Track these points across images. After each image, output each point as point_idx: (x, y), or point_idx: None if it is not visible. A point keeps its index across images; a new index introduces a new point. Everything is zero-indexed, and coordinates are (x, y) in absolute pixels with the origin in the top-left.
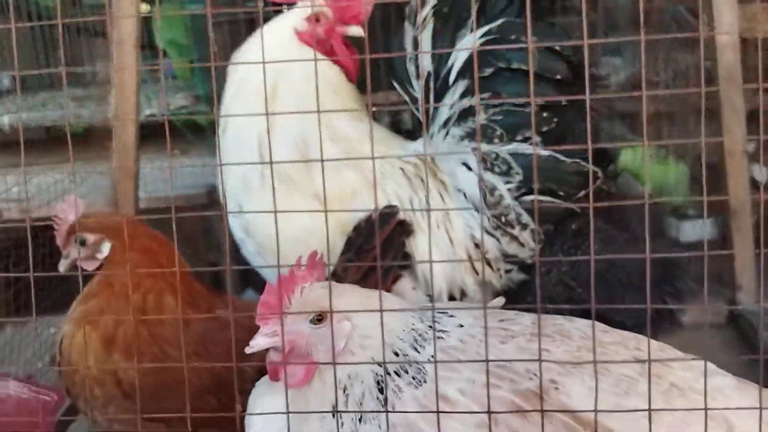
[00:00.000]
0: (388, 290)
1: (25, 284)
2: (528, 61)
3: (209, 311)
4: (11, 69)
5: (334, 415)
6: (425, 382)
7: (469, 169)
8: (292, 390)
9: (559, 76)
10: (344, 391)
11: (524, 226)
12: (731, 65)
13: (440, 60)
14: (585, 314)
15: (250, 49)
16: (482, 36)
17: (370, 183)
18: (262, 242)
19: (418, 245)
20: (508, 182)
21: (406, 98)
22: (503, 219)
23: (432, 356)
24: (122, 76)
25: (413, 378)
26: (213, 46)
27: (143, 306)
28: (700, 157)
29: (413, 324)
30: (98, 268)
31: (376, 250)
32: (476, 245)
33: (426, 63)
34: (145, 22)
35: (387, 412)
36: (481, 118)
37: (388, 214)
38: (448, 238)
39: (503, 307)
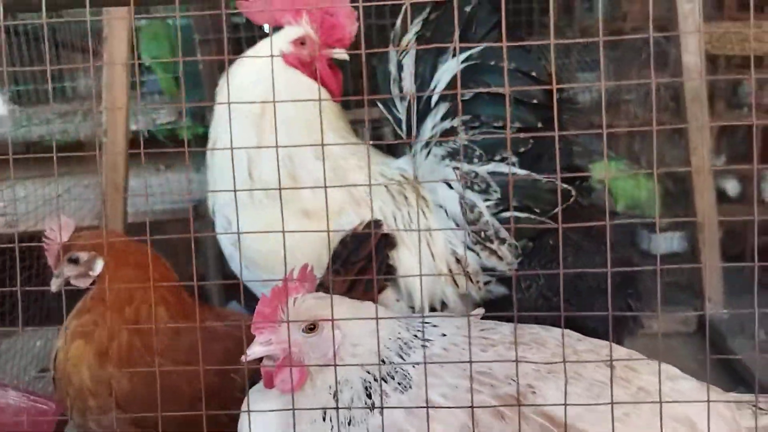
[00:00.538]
0: (374, 302)
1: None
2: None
3: (200, 323)
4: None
5: (324, 419)
6: (410, 387)
7: (450, 187)
8: (284, 395)
9: (535, 101)
10: (334, 396)
11: (502, 241)
12: (697, 87)
13: (422, 82)
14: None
15: (237, 71)
16: (464, 61)
17: (356, 200)
18: (250, 256)
19: (402, 258)
20: (486, 200)
21: (390, 119)
22: (482, 234)
23: (417, 363)
24: (112, 94)
25: (399, 384)
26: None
27: (136, 318)
28: (670, 173)
29: (399, 333)
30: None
31: (361, 264)
32: (457, 259)
33: (408, 85)
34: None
35: (382, 408)
36: (462, 138)
37: (373, 227)
38: (429, 252)
39: (483, 318)
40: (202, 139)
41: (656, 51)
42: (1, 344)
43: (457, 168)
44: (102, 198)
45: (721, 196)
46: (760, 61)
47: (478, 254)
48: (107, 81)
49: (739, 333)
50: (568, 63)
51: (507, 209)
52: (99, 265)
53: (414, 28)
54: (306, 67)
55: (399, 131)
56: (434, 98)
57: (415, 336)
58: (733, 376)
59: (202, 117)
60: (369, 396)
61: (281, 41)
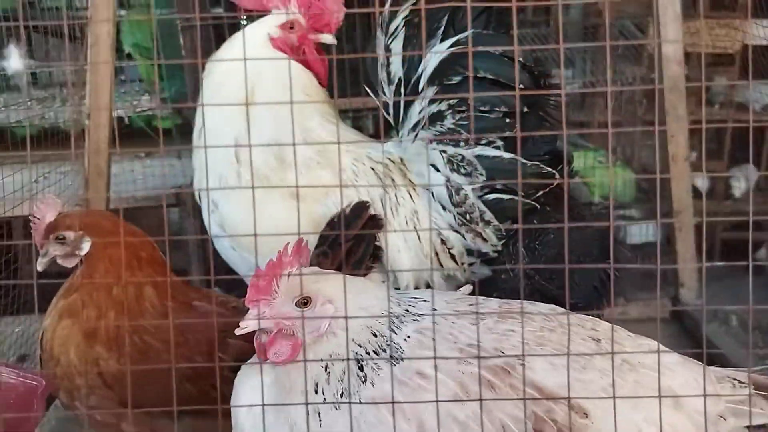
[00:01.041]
0: None
1: None
2: (494, 71)
3: (186, 303)
4: None
5: (317, 391)
6: (402, 359)
7: (437, 170)
8: (277, 368)
9: (521, 85)
10: (326, 369)
11: (487, 223)
12: (675, 76)
13: (410, 67)
14: (543, 298)
15: (225, 54)
16: (451, 46)
17: (343, 182)
18: (235, 237)
19: (389, 240)
20: (472, 182)
21: (378, 103)
22: (468, 216)
23: (408, 336)
24: (96, 77)
25: (391, 356)
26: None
27: (123, 299)
28: (646, 164)
29: (390, 308)
30: (76, 265)
31: (349, 244)
32: (442, 241)
33: (397, 69)
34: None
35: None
36: (449, 122)
37: (361, 208)
38: (416, 234)
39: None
40: (180, 129)
41: (635, 45)
42: None
43: (444, 151)
44: (85, 181)
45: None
46: (732, 59)
47: (463, 236)
48: (92, 66)
49: (712, 318)
50: (546, 54)
51: (492, 192)
52: (86, 245)
53: (402, 13)
54: (294, 51)
55: (387, 116)
56: (422, 82)
57: (407, 310)
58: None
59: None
60: (361, 369)
61: (269, 25)
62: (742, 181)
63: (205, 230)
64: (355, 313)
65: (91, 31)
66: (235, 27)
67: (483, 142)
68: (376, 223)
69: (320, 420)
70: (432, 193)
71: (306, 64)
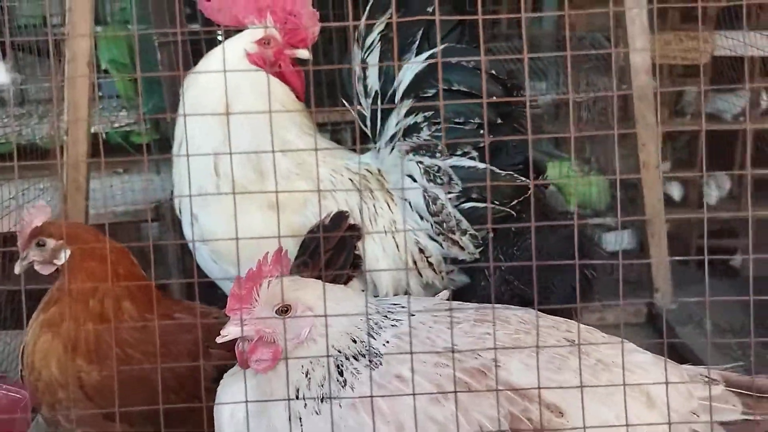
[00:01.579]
0: None
1: None
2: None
3: (167, 315)
4: None
5: (297, 397)
6: (381, 364)
7: (414, 180)
8: (258, 375)
9: (494, 97)
10: (306, 375)
11: (464, 232)
12: (644, 85)
13: (386, 81)
14: (522, 303)
15: (203, 68)
16: (426, 59)
17: (322, 193)
18: (216, 248)
19: (367, 249)
20: (449, 192)
21: (355, 115)
22: (445, 225)
23: (387, 341)
24: (74, 92)
25: (370, 361)
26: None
27: (101, 311)
28: (621, 173)
29: (370, 313)
30: (54, 276)
31: (329, 253)
32: (420, 250)
33: (373, 83)
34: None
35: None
36: (425, 134)
37: (340, 218)
38: (394, 243)
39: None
40: (158, 144)
41: (605, 56)
42: None
43: (421, 162)
44: (64, 196)
45: (667, 200)
46: (699, 70)
47: (440, 244)
48: (70, 80)
49: (686, 322)
50: (520, 67)
51: (468, 201)
52: (64, 255)
53: (378, 27)
54: (270, 66)
55: (364, 128)
56: (398, 95)
57: (385, 317)
58: (682, 362)
59: (157, 123)
60: (341, 373)
61: (246, 41)
62: (714, 189)
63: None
64: (335, 320)
65: (69, 47)
66: (212, 43)
67: (458, 152)
68: (356, 232)
69: (301, 425)
70: (409, 203)
71: (283, 78)
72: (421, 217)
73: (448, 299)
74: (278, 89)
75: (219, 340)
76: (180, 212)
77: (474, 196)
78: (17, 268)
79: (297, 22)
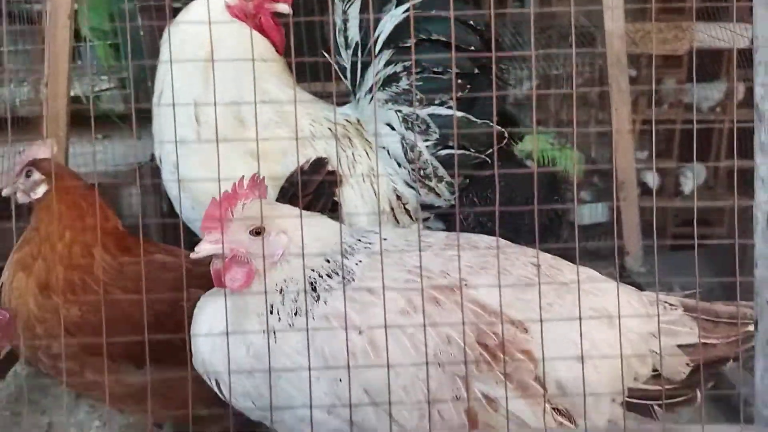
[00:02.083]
0: None
1: None
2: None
3: (146, 256)
4: None
5: (272, 312)
6: (353, 280)
7: (393, 128)
8: (234, 294)
9: (472, 47)
10: (281, 292)
11: (440, 179)
12: (618, 52)
13: (367, 31)
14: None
15: (184, 19)
16: (406, 10)
17: (300, 141)
18: (196, 196)
19: (346, 195)
20: (426, 140)
21: (335, 67)
22: (422, 172)
23: (359, 261)
24: (55, 48)
25: (343, 278)
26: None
27: (69, 256)
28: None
29: (344, 237)
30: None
31: (308, 198)
32: (398, 197)
33: (354, 34)
34: None
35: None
36: (403, 84)
37: (319, 164)
38: (372, 190)
39: None
40: (138, 112)
41: (584, 33)
42: None
43: (399, 111)
44: None
45: (643, 188)
46: (680, 60)
47: (417, 191)
48: (50, 33)
49: (654, 285)
50: (502, 42)
51: (445, 148)
52: (41, 191)
53: None
54: (250, 19)
55: (344, 79)
56: (377, 46)
57: (359, 240)
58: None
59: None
60: (314, 289)
61: None
62: (690, 178)
63: (165, 207)
64: (310, 243)
65: (50, 12)
66: None
67: (436, 102)
68: (334, 178)
69: (275, 338)
70: (388, 151)
71: (262, 31)
72: (399, 165)
73: None
74: (259, 42)
75: (193, 256)
76: (161, 162)
77: (450, 144)
78: (3, 191)
79: None
